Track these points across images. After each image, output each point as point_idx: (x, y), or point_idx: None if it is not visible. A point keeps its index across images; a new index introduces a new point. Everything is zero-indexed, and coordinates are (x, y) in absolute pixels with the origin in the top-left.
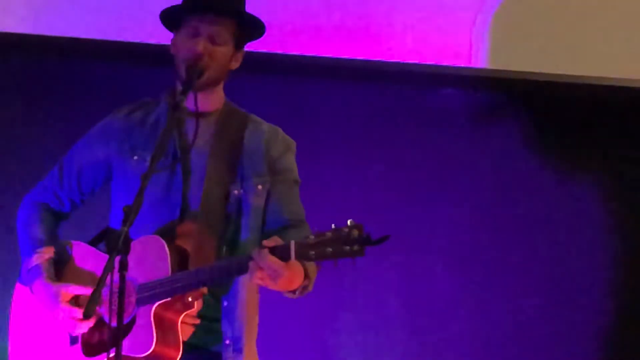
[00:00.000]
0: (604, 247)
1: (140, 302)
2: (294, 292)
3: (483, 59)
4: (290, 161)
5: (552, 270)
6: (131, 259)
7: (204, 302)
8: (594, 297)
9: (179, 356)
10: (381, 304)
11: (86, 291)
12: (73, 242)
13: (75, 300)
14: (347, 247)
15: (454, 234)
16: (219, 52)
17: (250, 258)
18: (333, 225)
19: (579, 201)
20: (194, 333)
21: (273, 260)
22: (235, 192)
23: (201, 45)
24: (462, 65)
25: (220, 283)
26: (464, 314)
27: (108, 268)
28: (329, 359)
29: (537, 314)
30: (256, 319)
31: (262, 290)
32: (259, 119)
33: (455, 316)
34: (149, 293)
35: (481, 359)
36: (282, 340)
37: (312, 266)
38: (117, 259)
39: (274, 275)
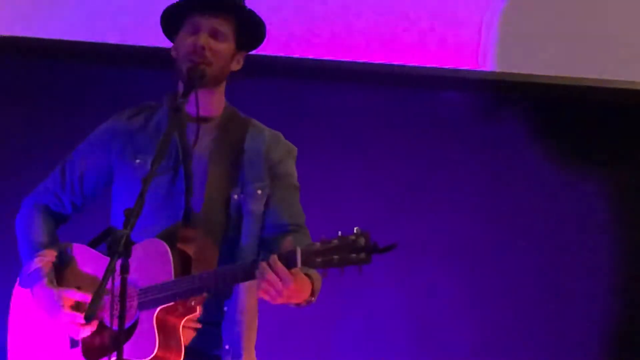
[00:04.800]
0: (606, 247)
1: (143, 306)
2: (298, 304)
3: (490, 62)
4: (290, 166)
5: (554, 271)
6: (133, 263)
7: (205, 307)
8: (595, 297)
9: None
10: (382, 306)
11: (87, 298)
12: (74, 244)
13: (77, 305)
14: (354, 255)
15: (457, 236)
16: (221, 48)
17: (255, 265)
18: (339, 233)
19: (583, 202)
20: (195, 337)
21: (281, 268)
22: (235, 196)
23: (202, 40)
24: (469, 68)
25: (224, 288)
26: (466, 315)
27: (109, 272)
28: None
29: (539, 315)
30: (255, 324)
31: None
32: (260, 124)
33: (456, 317)
34: (151, 297)
35: (482, 358)
36: (282, 344)
37: (318, 281)
38: (118, 262)
39: (279, 286)
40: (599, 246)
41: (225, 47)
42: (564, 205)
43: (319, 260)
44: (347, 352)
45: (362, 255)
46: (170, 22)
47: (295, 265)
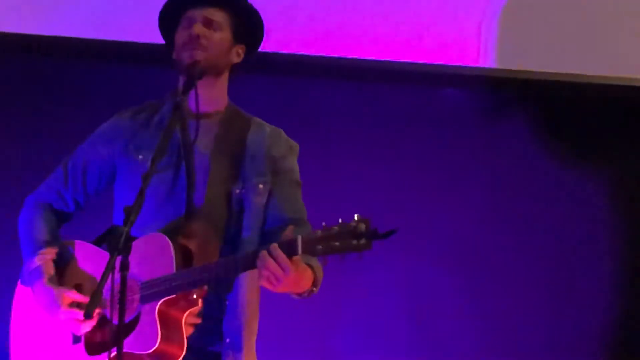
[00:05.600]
0: (607, 246)
1: (145, 299)
2: (299, 294)
3: (490, 58)
4: (292, 163)
5: (555, 270)
6: (135, 257)
7: (206, 301)
8: (597, 297)
9: (183, 354)
10: (383, 304)
11: (86, 297)
12: (76, 241)
13: (77, 303)
14: (355, 241)
15: (457, 233)
16: (216, 36)
17: (256, 254)
18: (340, 220)
19: (584, 200)
20: (195, 333)
21: (281, 255)
22: (237, 191)
23: (197, 29)
24: (469, 65)
25: (225, 280)
26: (466, 313)
27: (109, 269)
28: (329, 358)
29: (540, 314)
30: (256, 318)
31: (264, 288)
32: (262, 121)
33: (457, 315)
34: (153, 290)
35: (483, 356)
36: (282, 339)
37: (320, 272)
38: (119, 259)
39: (279, 274)
40: (601, 244)
41: (221, 36)
42: (565, 203)
43: (319, 247)
44: (348, 349)
45: (363, 241)
46: (169, 27)
47: (296, 252)
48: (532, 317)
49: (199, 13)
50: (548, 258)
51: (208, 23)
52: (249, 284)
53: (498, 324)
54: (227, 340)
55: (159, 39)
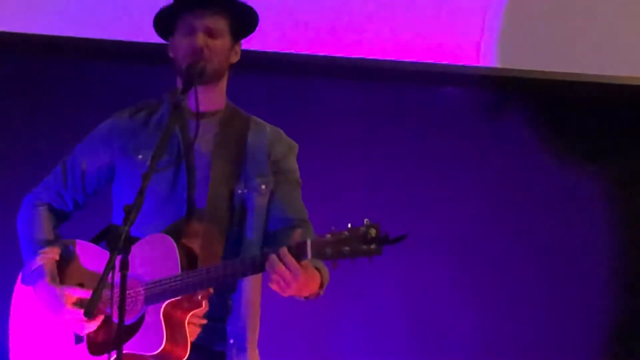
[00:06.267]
0: (608, 245)
1: (149, 300)
2: (306, 297)
3: (491, 58)
4: (292, 162)
5: (555, 269)
6: (138, 258)
7: (209, 302)
8: (597, 296)
9: (187, 355)
10: (383, 302)
11: (89, 294)
12: (77, 240)
13: (80, 302)
14: (365, 246)
15: (457, 233)
16: (218, 44)
17: (265, 257)
18: (349, 225)
19: (585, 199)
20: (199, 333)
21: (291, 260)
22: (239, 191)
23: (200, 40)
24: (470, 64)
25: (231, 281)
26: (466, 312)
27: (109, 268)
28: (329, 357)
29: (540, 313)
30: (258, 319)
31: (264, 287)
32: (261, 120)
33: (457, 314)
34: (158, 290)
35: (482, 356)
36: (283, 338)
37: (326, 275)
38: (119, 258)
39: (289, 278)
40: (601, 243)
41: (223, 42)
42: (565, 202)
43: (329, 251)
44: (348, 348)
45: (373, 246)
46: (164, 23)
47: (305, 257)
48: (532, 317)
49: (199, 22)
50: (548, 257)
51: (209, 32)
52: (252, 285)
53: (498, 323)
54: (231, 341)
55: (158, 38)
